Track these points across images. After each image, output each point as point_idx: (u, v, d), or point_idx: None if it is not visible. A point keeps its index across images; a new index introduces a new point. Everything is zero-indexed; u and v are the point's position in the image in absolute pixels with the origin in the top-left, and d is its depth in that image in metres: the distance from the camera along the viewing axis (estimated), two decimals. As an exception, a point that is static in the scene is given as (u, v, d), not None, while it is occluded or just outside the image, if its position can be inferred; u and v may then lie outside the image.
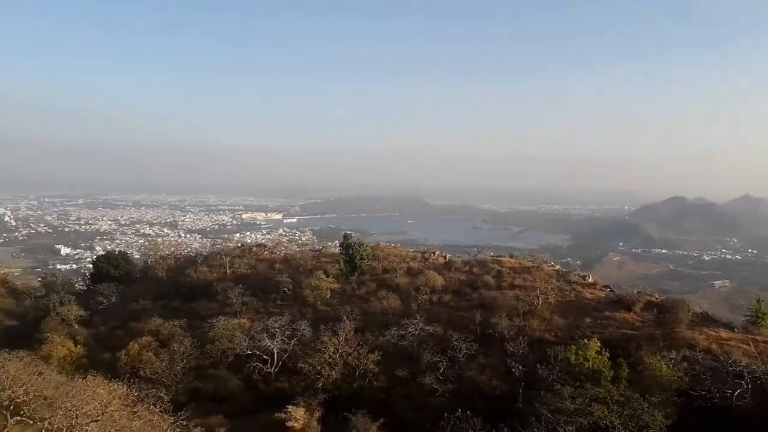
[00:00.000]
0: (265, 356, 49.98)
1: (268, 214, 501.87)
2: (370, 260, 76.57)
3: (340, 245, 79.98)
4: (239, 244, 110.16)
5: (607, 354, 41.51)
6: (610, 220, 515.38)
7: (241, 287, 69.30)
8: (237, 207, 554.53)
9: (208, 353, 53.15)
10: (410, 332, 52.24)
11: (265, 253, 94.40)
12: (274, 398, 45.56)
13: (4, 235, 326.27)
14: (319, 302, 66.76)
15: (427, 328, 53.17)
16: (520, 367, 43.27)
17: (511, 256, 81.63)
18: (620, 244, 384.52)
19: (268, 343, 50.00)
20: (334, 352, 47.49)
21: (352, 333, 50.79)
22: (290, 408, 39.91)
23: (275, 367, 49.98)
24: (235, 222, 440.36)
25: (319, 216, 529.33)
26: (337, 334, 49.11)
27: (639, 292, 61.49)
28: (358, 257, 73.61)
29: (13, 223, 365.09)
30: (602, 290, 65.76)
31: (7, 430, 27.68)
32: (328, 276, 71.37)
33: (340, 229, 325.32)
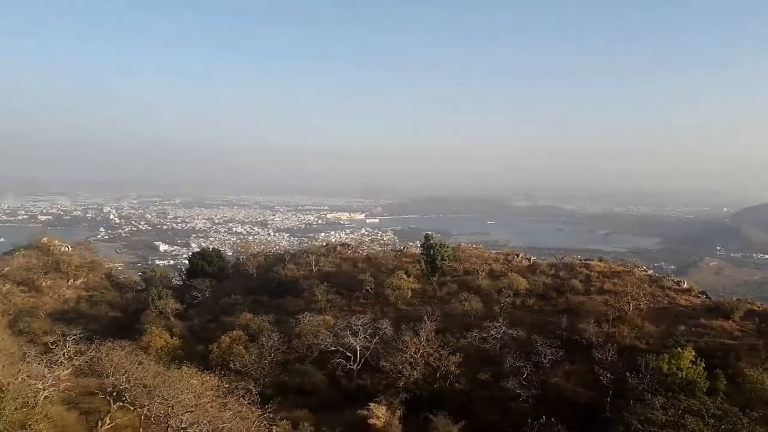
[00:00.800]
0: (348, 353, 51.05)
1: (352, 214, 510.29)
2: (452, 261, 76.21)
3: (421, 245, 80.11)
4: (324, 243, 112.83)
5: (703, 364, 39.27)
6: (703, 222, 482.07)
7: (326, 285, 71.17)
8: (322, 207, 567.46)
9: (295, 348, 55.06)
10: (492, 335, 51.66)
11: (349, 252, 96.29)
12: (357, 395, 46.53)
13: (109, 231, 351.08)
14: (400, 302, 67.37)
15: (510, 331, 52.30)
16: (609, 375, 41.68)
17: (600, 260, 78.77)
18: (718, 248, 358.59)
19: (351, 341, 51.09)
20: (415, 352, 47.79)
21: (433, 334, 50.85)
22: (372, 406, 40.60)
23: (358, 365, 50.99)
24: (320, 221, 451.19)
25: (400, 216, 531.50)
26: (419, 335, 49.35)
27: (739, 299, 57.71)
28: (439, 258, 73.48)
29: (117, 221, 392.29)
30: (698, 297, 62.14)
31: (110, 414, 30.02)
32: (409, 276, 71.88)
33: (420, 229, 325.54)
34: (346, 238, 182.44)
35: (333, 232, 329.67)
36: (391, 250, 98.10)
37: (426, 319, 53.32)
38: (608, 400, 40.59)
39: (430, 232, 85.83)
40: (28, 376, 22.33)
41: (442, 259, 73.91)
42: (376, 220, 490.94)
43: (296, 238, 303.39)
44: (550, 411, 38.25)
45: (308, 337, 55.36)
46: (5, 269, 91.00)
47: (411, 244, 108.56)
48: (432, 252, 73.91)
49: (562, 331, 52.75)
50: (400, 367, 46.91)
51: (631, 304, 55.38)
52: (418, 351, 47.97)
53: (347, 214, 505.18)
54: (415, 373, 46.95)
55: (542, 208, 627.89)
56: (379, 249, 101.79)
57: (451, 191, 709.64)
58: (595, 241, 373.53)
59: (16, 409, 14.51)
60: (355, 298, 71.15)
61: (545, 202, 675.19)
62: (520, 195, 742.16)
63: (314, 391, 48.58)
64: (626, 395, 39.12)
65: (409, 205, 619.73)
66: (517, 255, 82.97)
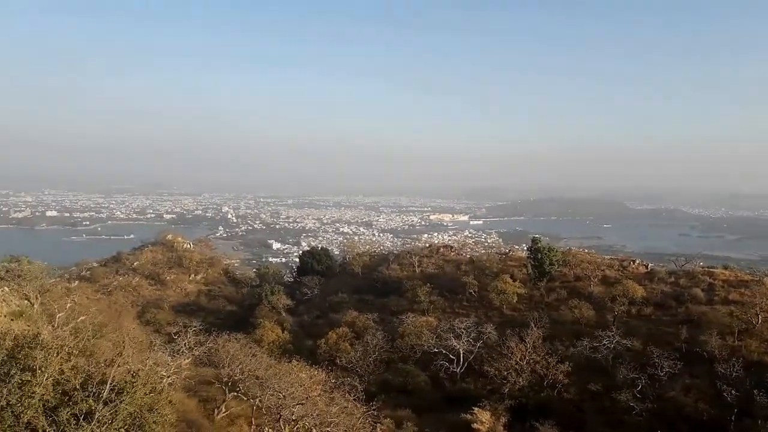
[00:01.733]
0: (451, 356, 50.78)
1: (455, 216, 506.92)
2: (561, 266, 73.46)
3: (528, 249, 77.95)
4: (427, 245, 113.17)
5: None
6: None
7: (429, 286, 71.28)
8: (425, 208, 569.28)
9: (398, 348, 55.62)
10: (604, 345, 49.15)
11: (452, 254, 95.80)
12: (459, 398, 46.07)
13: (227, 230, 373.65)
14: (505, 306, 66.00)
15: (624, 341, 49.55)
16: (733, 392, 38.42)
17: (725, 268, 72.58)
18: None
19: (455, 343, 50.74)
20: (521, 359, 46.60)
21: (540, 341, 49.37)
22: (476, 410, 40.09)
23: (461, 368, 50.54)
24: (423, 223, 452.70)
25: (505, 218, 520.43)
26: (525, 341, 48.10)
27: None
28: (547, 262, 71.01)
29: (235, 220, 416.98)
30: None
31: (226, 403, 31.74)
32: (514, 280, 70.21)
33: (527, 232, 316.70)
34: (449, 240, 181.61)
35: (436, 234, 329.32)
36: (496, 253, 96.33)
37: (533, 325, 51.81)
38: (733, 418, 37.49)
39: (537, 236, 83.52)
40: (155, 364, 24.19)
41: (551, 264, 71.38)
42: (481, 222, 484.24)
43: (400, 239, 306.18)
44: (666, 426, 36.03)
45: (411, 337, 55.71)
46: (135, 264, 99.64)
47: (517, 247, 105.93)
48: (540, 256, 71.61)
49: (681, 342, 49.36)
50: (505, 373, 45.92)
51: (760, 316, 50.49)
52: (524, 358, 46.73)
53: (450, 216, 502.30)
54: (520, 380, 45.77)
55: (664, 211, 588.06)
56: (484, 251, 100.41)
57: (562, 192, 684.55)
58: (723, 247, 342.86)
59: (145, 393, 15.70)
60: (458, 301, 70.64)
61: (667, 204, 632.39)
62: (638, 198, 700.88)
63: (417, 392, 48.72)
64: (754, 414, 36.23)
65: (515, 207, 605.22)
66: (633, 261, 78.46)
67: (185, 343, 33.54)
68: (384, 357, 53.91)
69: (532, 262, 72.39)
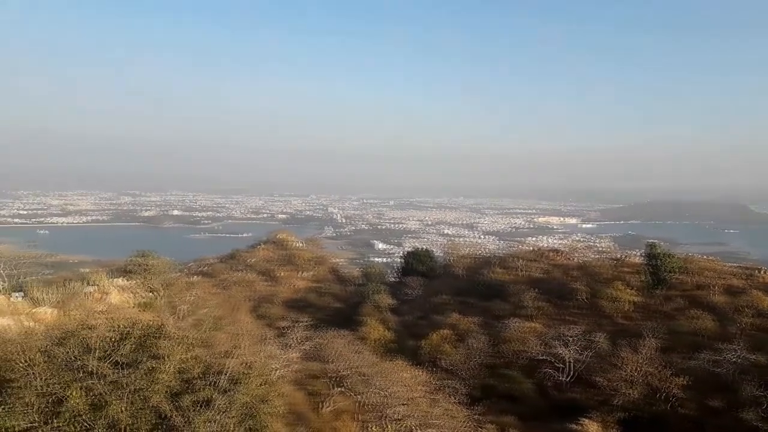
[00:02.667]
0: (558, 364, 49.12)
1: (563, 219, 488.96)
2: (679, 273, 68.65)
3: (643, 255, 73.68)
4: (533, 248, 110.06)
5: None
6: None
7: (535, 291, 69.25)
8: (531, 210, 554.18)
9: (501, 353, 54.58)
10: (727, 359, 45.33)
11: (560, 258, 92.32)
12: (566, 408, 44.45)
13: (334, 230, 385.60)
14: (617, 314, 62.70)
15: (750, 356, 45.37)
16: None
17: None
18: None
19: (562, 351, 48.99)
20: (633, 370, 44.17)
21: (655, 352, 46.53)
22: (585, 421, 38.62)
23: (569, 377, 48.71)
24: (529, 225, 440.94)
25: (618, 222, 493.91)
26: (638, 351, 45.54)
27: None
28: (664, 269, 66.62)
29: (341, 221, 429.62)
30: None
31: (332, 398, 32.79)
32: (628, 287, 66.57)
33: (643, 236, 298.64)
34: (557, 244, 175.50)
35: (542, 237, 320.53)
36: (609, 258, 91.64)
37: (647, 335, 48.89)
38: None
39: (654, 241, 78.62)
40: (267, 357, 25.49)
41: (668, 271, 66.93)
42: (591, 226, 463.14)
43: (504, 242, 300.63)
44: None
45: (516, 343, 54.46)
46: (250, 261, 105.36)
47: (631, 252, 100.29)
48: (656, 262, 67.39)
49: (820, 360, 44.22)
50: (616, 384, 43.71)
51: None
52: (638, 369, 44.23)
53: (559, 219, 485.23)
54: (633, 392, 43.34)
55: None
56: (595, 256, 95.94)
57: (677, 195, 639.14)
58: None
59: (258, 385, 16.62)
60: (566, 307, 67.99)
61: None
62: (762, 200, 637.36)
63: (521, 399, 47.56)
64: None
65: (629, 210, 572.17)
66: (760, 269, 71.61)
67: (295, 338, 34.97)
68: (487, 361, 53.10)
69: (648, 269, 68.23)
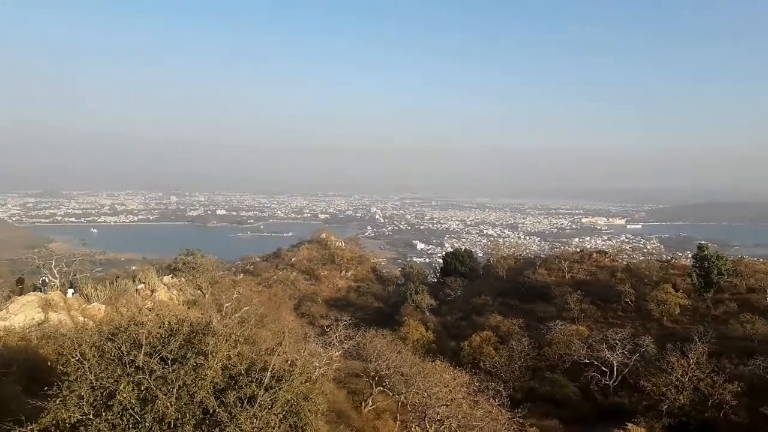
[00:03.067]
0: (603, 367, 48.09)
1: (610, 219, 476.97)
2: (731, 276, 66.29)
3: (692, 257, 71.36)
4: (578, 249, 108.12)
5: None
6: None
7: (579, 293, 68.02)
8: (576, 211, 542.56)
9: (545, 356, 53.82)
10: (783, 365, 43.61)
11: (606, 260, 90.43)
12: (611, 412, 43.50)
13: (375, 230, 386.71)
14: (665, 318, 61.11)
15: (807, 363, 43.61)
16: None
17: None
18: None
19: (608, 355, 47.91)
20: (682, 375, 42.80)
21: (705, 357, 45.01)
22: (630, 426, 37.68)
23: (614, 381, 47.64)
24: (573, 226, 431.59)
25: (667, 223, 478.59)
26: (687, 356, 44.14)
27: None
28: (715, 271, 64.36)
29: (382, 221, 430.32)
30: None
31: (372, 397, 32.93)
32: (677, 290, 64.64)
33: (693, 238, 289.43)
34: (603, 245, 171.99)
35: (587, 238, 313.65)
36: (656, 260, 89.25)
37: (697, 339, 47.35)
38: None
39: (704, 242, 76.19)
40: (309, 354, 25.86)
41: (719, 274, 64.64)
42: (639, 226, 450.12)
43: (547, 243, 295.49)
44: None
45: (560, 346, 53.57)
46: (293, 260, 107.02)
47: (680, 254, 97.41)
48: (706, 265, 65.17)
49: None
50: (664, 389, 42.48)
51: None
52: (686, 374, 42.85)
53: (604, 219, 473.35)
54: (681, 397, 42.00)
55: None
56: (642, 258, 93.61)
57: (727, 195, 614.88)
58: None
59: (301, 382, 16.92)
60: (611, 310, 66.62)
61: None
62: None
63: (565, 402, 46.71)
64: None
65: (678, 211, 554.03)
66: (819, 272, 68.54)
67: (336, 336, 35.30)
68: (530, 364, 52.46)
69: (698, 272, 66.04)
